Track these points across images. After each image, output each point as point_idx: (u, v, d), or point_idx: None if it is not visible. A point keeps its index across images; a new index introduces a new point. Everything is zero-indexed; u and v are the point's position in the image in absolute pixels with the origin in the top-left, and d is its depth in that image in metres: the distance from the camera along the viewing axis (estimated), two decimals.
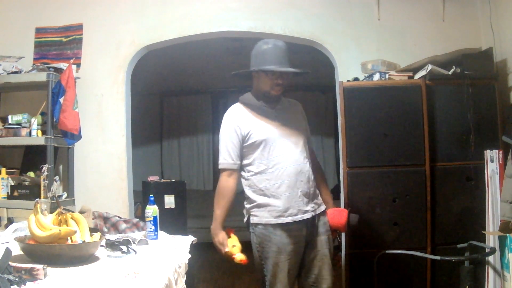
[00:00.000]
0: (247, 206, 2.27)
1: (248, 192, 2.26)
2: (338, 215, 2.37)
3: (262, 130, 2.20)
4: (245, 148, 2.23)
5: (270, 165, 2.18)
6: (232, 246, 2.21)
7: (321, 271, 2.25)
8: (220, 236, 2.22)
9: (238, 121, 2.24)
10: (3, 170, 3.33)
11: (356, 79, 3.27)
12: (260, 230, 2.20)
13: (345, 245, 3.15)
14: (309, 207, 2.21)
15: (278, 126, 2.23)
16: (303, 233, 2.20)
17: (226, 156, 2.25)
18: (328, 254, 2.26)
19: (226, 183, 2.24)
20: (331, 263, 2.27)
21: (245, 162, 2.26)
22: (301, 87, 6.86)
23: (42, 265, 1.43)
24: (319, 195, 2.34)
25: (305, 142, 2.31)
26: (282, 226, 2.16)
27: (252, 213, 2.23)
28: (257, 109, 2.26)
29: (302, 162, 2.22)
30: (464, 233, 2.99)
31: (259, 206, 2.20)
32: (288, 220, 2.16)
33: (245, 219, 2.31)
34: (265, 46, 2.22)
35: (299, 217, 2.17)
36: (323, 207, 2.32)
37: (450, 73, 3.08)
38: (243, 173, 2.29)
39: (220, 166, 2.26)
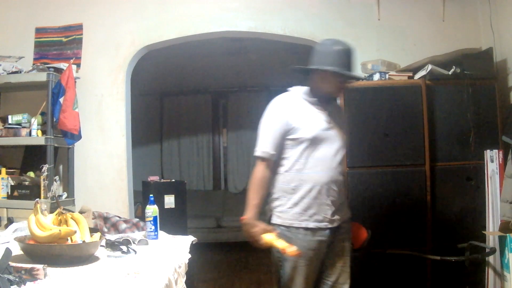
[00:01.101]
0: (272, 204, 2.15)
1: (275, 188, 2.14)
2: (359, 231, 2.36)
3: (310, 128, 2.08)
4: (287, 141, 2.11)
5: (307, 166, 2.08)
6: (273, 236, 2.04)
7: (340, 277, 2.18)
8: (259, 226, 2.04)
9: (288, 112, 2.10)
10: (3, 170, 3.33)
11: None
12: (282, 231, 2.08)
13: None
14: (336, 217, 2.12)
15: (326, 130, 2.12)
16: (326, 240, 2.11)
17: (268, 146, 2.09)
18: (348, 261, 2.21)
19: (264, 173, 2.09)
20: (349, 271, 2.21)
21: (282, 155, 2.13)
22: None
23: (42, 265, 1.43)
24: (346, 206, 2.27)
25: (344, 151, 2.21)
26: (306, 230, 2.08)
27: (276, 213, 2.13)
28: (310, 106, 2.14)
29: (339, 171, 2.15)
30: (464, 233, 2.99)
31: (285, 205, 2.11)
32: (312, 225, 2.07)
33: (268, 217, 2.19)
34: (337, 47, 2.11)
35: (324, 225, 2.08)
36: (347, 216, 2.25)
37: (450, 73, 3.08)
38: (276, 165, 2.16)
39: (260, 154, 2.10)
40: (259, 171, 2.10)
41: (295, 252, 1.90)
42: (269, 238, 1.99)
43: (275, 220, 2.12)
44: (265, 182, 2.10)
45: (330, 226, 2.10)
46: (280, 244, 1.96)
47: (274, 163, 2.12)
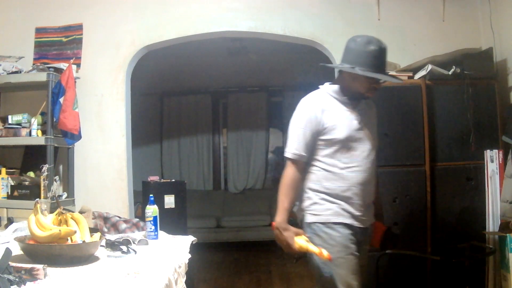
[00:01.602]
0: (305, 203, 2.08)
1: (308, 187, 2.07)
2: (377, 230, 2.24)
3: (344, 128, 2.02)
4: (320, 141, 2.04)
5: (341, 166, 2.02)
6: (305, 240, 1.97)
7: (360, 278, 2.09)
8: (291, 230, 1.96)
9: (321, 112, 2.02)
10: (3, 170, 3.33)
11: None
12: (321, 228, 2.02)
13: None
14: (365, 217, 2.09)
15: (358, 129, 2.06)
16: (357, 239, 2.05)
17: (301, 147, 2.01)
18: (366, 264, 2.18)
19: (295, 175, 2.02)
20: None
21: (314, 156, 2.06)
22: (301, 87, 6.86)
23: (42, 265, 1.43)
24: (373, 208, 2.20)
25: (376, 151, 2.14)
26: (344, 225, 2.02)
27: (309, 211, 2.06)
28: (341, 105, 2.07)
29: (372, 172, 2.10)
30: (464, 233, 2.99)
31: (320, 204, 2.04)
32: (348, 221, 2.02)
33: (300, 218, 2.13)
34: (371, 47, 2.01)
35: (357, 223, 2.04)
36: (373, 218, 2.20)
37: (450, 73, 3.08)
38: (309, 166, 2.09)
39: (292, 157, 2.02)
40: (290, 173, 2.03)
41: (328, 256, 1.86)
42: (302, 242, 1.93)
43: (309, 218, 2.05)
44: (296, 184, 2.03)
45: (362, 226, 2.06)
46: (313, 248, 1.90)
47: (305, 163, 2.06)
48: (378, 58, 2.01)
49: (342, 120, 2.03)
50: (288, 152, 2.04)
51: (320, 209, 2.04)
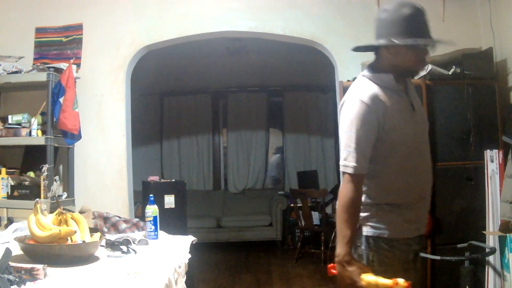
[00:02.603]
0: (362, 214, 1.69)
1: (365, 196, 1.69)
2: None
3: (405, 125, 1.66)
4: (380, 146, 1.65)
5: (407, 168, 1.67)
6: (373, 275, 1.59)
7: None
8: (356, 265, 1.59)
9: (383, 110, 1.62)
10: (3, 170, 3.33)
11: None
12: (380, 244, 1.67)
13: None
14: (423, 224, 1.77)
15: (416, 122, 1.71)
16: (418, 248, 1.77)
17: (361, 158, 1.61)
18: (423, 275, 1.98)
19: (356, 194, 1.61)
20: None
21: (375, 163, 1.67)
22: (301, 87, 6.87)
23: (42, 265, 1.43)
24: None
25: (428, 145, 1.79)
26: (406, 240, 1.69)
27: (368, 224, 1.68)
28: (396, 95, 1.68)
29: (431, 167, 1.76)
30: (464, 233, 2.99)
31: (380, 215, 1.67)
32: (411, 235, 1.70)
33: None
34: (406, 11, 1.64)
35: (418, 232, 1.74)
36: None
37: (450, 73, 3.08)
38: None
39: (351, 171, 1.61)
40: (351, 191, 1.61)
41: (407, 284, 1.50)
42: (370, 278, 1.56)
43: (367, 231, 1.68)
44: (358, 204, 1.64)
45: (421, 233, 1.76)
46: (385, 281, 1.54)
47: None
48: (417, 22, 1.66)
49: (401, 116, 1.67)
50: (349, 167, 1.61)
51: (381, 222, 1.67)
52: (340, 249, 1.60)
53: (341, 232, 1.60)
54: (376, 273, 1.59)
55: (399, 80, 1.72)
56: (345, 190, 1.61)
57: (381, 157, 1.65)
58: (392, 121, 1.63)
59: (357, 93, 1.68)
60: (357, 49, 1.83)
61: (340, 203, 1.62)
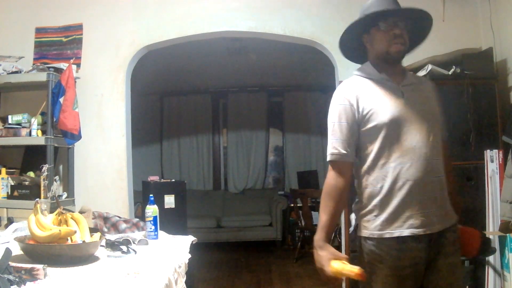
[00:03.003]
0: (358, 213, 1.72)
1: (359, 191, 1.73)
2: (471, 236, 1.81)
3: (385, 110, 1.64)
4: (363, 135, 1.67)
5: (392, 158, 1.63)
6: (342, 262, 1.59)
7: None
8: (328, 250, 1.62)
9: (356, 98, 1.67)
10: (3, 170, 3.33)
11: None
12: (369, 246, 1.65)
13: (345, 246, 3.15)
14: (435, 218, 1.63)
15: (405, 107, 1.66)
16: (422, 253, 1.61)
17: (338, 145, 1.66)
18: (456, 283, 1.68)
19: (336, 181, 1.66)
20: None
21: (360, 153, 1.70)
22: (301, 87, 6.86)
23: (42, 265, 1.43)
24: (449, 203, 1.72)
25: (439, 130, 1.77)
26: (399, 241, 1.60)
27: (362, 222, 1.69)
28: (379, 84, 1.70)
29: (434, 157, 1.67)
30: None
31: (372, 212, 1.66)
32: (406, 233, 1.60)
33: (352, 228, 1.80)
34: None
35: (422, 231, 1.60)
36: (454, 220, 1.72)
37: (450, 73, 3.08)
38: (355, 167, 1.74)
39: (328, 158, 1.69)
40: (329, 178, 1.68)
41: (359, 271, 1.52)
42: (337, 265, 1.57)
43: (362, 232, 1.68)
44: (338, 191, 1.66)
45: (429, 232, 1.61)
46: (350, 268, 1.55)
47: (350, 163, 1.70)
48: (372, 1, 1.71)
49: (381, 101, 1.66)
50: (328, 155, 1.69)
51: (373, 219, 1.65)
52: (316, 234, 1.66)
53: (320, 218, 1.68)
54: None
55: (386, 69, 1.72)
56: (327, 178, 1.70)
57: (368, 148, 1.67)
58: (370, 105, 1.65)
59: (340, 85, 1.76)
60: (342, 42, 1.84)
61: (323, 190, 1.69)
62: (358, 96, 1.67)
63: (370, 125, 1.65)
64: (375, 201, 1.65)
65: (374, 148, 1.65)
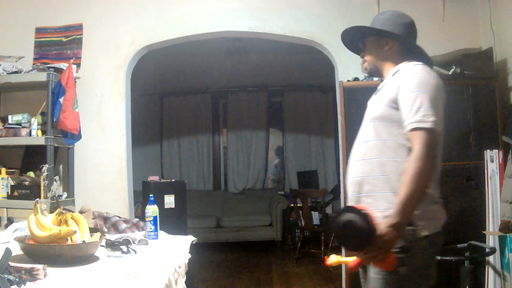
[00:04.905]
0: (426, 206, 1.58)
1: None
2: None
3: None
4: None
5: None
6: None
7: None
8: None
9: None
10: (3, 170, 3.33)
11: (356, 79, 3.27)
12: (425, 244, 1.53)
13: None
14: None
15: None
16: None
17: (437, 114, 1.54)
18: None
19: (438, 152, 1.51)
20: None
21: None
22: (301, 87, 6.87)
23: (42, 265, 1.43)
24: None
25: (375, 127, 1.67)
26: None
27: (427, 217, 1.58)
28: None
29: (355, 159, 1.70)
30: (464, 233, 2.99)
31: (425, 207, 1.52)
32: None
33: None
34: (408, 19, 1.90)
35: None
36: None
37: (450, 73, 3.08)
38: (393, 154, 1.57)
39: (434, 126, 1.51)
40: (434, 146, 1.47)
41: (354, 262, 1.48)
42: (334, 259, 1.57)
43: (423, 230, 1.57)
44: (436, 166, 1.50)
45: None
46: (346, 259, 1.53)
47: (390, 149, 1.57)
48: (414, 29, 1.96)
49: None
50: (432, 122, 1.49)
51: (426, 215, 1.57)
52: (403, 211, 1.46)
53: (411, 192, 1.45)
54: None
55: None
56: (425, 145, 1.45)
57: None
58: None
59: (421, 69, 1.69)
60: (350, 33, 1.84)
61: (420, 158, 1.45)
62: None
63: None
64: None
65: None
